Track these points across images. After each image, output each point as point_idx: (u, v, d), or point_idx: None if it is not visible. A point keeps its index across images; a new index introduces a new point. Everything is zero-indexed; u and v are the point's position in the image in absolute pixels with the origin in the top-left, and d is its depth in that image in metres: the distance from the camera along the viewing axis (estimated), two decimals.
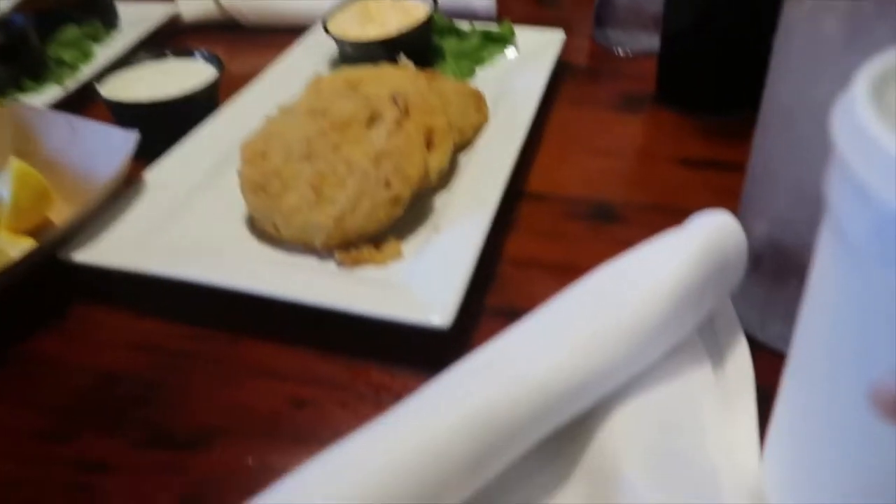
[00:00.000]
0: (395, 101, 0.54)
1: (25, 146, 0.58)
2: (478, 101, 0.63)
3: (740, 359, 0.40)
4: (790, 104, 0.39)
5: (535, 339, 0.35)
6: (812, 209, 0.27)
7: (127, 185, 0.55)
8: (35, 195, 0.51)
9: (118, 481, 0.38)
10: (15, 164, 0.50)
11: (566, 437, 0.36)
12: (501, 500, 0.35)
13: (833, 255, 0.25)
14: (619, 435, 0.35)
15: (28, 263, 0.47)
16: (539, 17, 0.84)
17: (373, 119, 0.54)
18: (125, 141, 0.53)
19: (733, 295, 0.42)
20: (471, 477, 0.32)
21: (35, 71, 0.72)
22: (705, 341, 0.41)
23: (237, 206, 0.53)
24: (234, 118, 0.63)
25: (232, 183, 0.53)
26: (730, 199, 0.45)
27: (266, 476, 0.33)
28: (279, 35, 0.81)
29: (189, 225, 0.53)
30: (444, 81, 0.63)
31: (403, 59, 0.64)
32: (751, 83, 0.46)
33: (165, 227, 0.52)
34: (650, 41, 0.73)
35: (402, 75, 0.61)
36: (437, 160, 0.54)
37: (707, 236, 0.39)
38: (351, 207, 0.49)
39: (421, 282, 0.45)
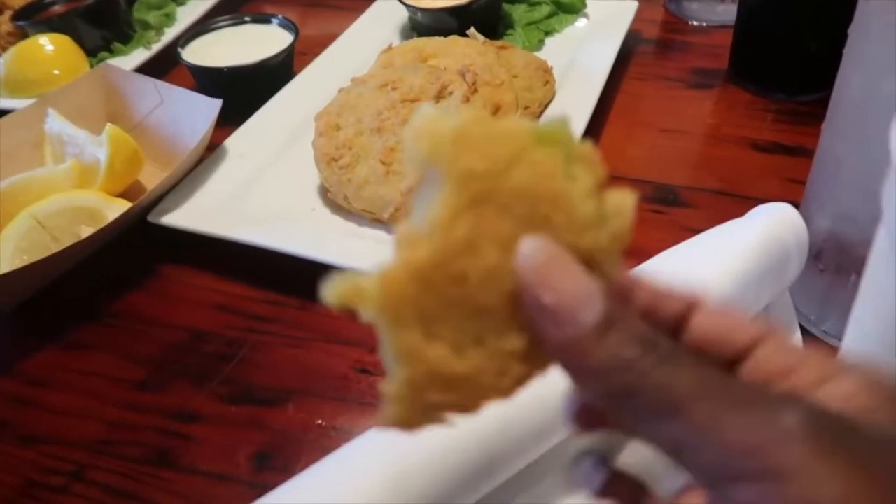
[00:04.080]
0: (463, 76, 0.56)
1: (116, 109, 0.62)
2: (546, 74, 0.63)
3: None
4: (860, 98, 0.38)
5: None
6: (876, 206, 0.27)
7: (209, 150, 0.58)
8: (128, 159, 0.55)
9: (204, 431, 0.42)
10: (111, 129, 0.54)
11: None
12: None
13: (885, 252, 0.26)
14: None
15: (122, 224, 0.51)
16: None
17: (441, 93, 0.55)
18: (210, 108, 0.56)
19: (792, 287, 0.43)
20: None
21: (123, 33, 0.75)
22: None
23: (311, 176, 0.56)
24: (308, 86, 0.65)
25: (306, 152, 0.55)
26: (797, 189, 0.45)
27: (334, 436, 0.36)
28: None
29: (266, 193, 0.56)
30: (513, 53, 0.63)
31: (473, 32, 0.65)
32: (829, 64, 0.43)
33: (244, 195, 0.55)
34: (726, 13, 0.71)
35: (471, 48, 0.61)
36: None
37: (768, 229, 0.39)
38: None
39: None
